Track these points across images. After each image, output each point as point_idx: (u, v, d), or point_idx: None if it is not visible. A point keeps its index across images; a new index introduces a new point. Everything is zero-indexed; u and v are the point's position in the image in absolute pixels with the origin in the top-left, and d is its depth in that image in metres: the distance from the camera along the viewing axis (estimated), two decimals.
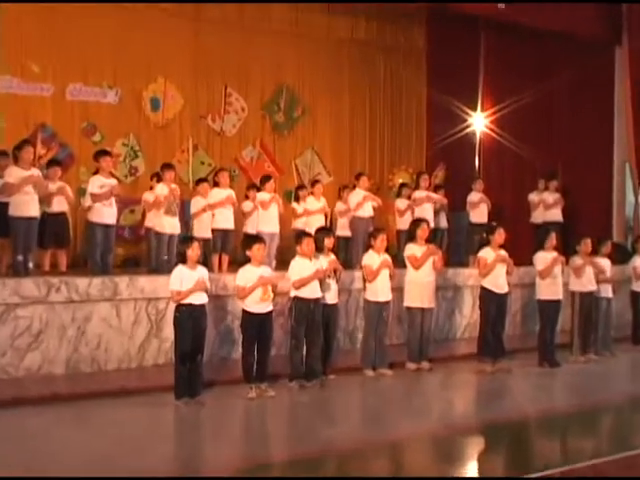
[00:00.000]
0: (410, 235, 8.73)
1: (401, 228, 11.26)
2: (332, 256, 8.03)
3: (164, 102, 12.79)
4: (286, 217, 10.93)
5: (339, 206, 11.46)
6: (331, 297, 7.90)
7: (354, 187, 10.95)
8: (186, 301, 6.82)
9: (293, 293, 7.53)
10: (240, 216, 10.52)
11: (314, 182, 11.12)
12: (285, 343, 8.45)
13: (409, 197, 11.42)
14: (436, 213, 11.38)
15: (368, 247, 8.37)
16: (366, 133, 15.05)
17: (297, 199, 11.25)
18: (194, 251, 6.88)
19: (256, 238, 7.59)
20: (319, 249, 7.72)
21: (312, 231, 8.36)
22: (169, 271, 7.15)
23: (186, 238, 7.39)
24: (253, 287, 7.14)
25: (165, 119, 12.84)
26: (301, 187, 11.62)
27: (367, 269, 8.21)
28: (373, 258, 8.24)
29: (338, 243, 10.43)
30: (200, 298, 6.89)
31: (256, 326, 7.14)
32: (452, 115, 14.01)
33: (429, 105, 15.18)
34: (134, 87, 12.48)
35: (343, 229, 11.13)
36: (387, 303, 8.29)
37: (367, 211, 10.64)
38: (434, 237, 10.18)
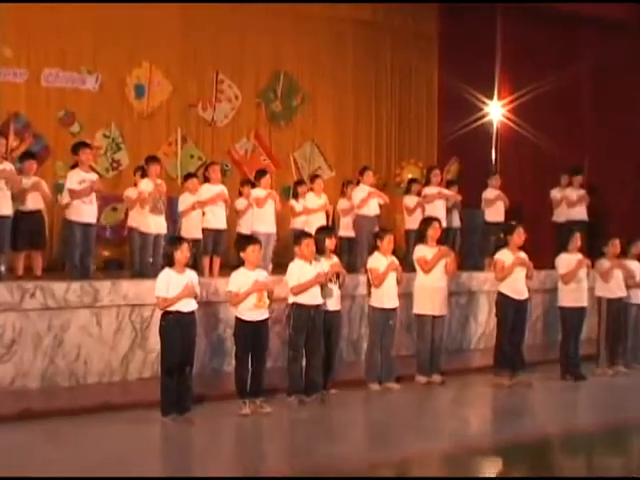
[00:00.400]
0: (420, 235, 8.75)
1: (410, 228, 11.25)
2: (334, 259, 8.03)
3: (149, 89, 12.80)
4: (283, 216, 10.94)
5: (342, 203, 11.46)
6: (333, 303, 7.91)
7: (358, 183, 10.95)
8: (173, 308, 6.83)
9: (291, 299, 7.55)
10: (233, 215, 10.52)
11: (314, 177, 11.13)
12: (282, 354, 8.45)
13: (419, 194, 11.43)
14: (448, 211, 11.38)
15: (373, 249, 8.38)
16: (371, 123, 15.07)
17: (296, 196, 11.26)
18: (182, 253, 6.89)
19: (251, 239, 7.61)
20: (320, 251, 7.73)
21: (312, 231, 8.37)
22: (155, 275, 7.16)
23: (174, 239, 7.40)
24: (247, 293, 7.15)
25: (150, 108, 12.85)
26: (300, 183, 11.63)
27: (372, 273, 8.23)
28: (379, 261, 8.25)
29: (341, 244, 10.43)
30: (189, 305, 6.90)
31: (250, 335, 7.16)
32: (466, 104, 14.01)
33: (441, 93, 15.19)
34: (116, 72, 12.48)
35: (346, 229, 11.13)
36: (394, 310, 8.30)
37: (372, 209, 10.65)
38: (446, 237, 10.18)
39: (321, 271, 7.62)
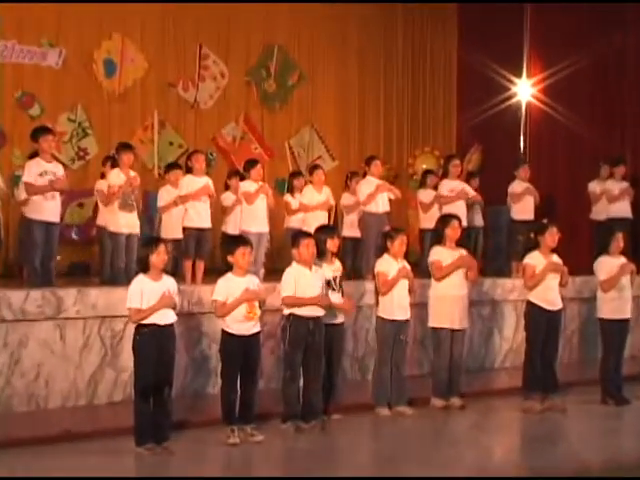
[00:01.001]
0: (437, 236, 8.76)
1: (425, 227, 11.29)
2: (337, 263, 8.05)
3: (121, 65, 12.85)
4: (278, 213, 10.96)
5: (345, 199, 11.49)
6: (335, 315, 7.93)
7: (364, 174, 10.98)
8: (149, 321, 6.84)
9: (288, 310, 7.55)
10: (219, 212, 10.56)
11: (313, 168, 11.12)
12: (277, 373, 8.45)
13: (435, 187, 11.45)
14: (469, 208, 11.41)
15: (382, 251, 8.39)
16: (380, 106, 15.13)
17: (292, 190, 11.28)
18: (160, 256, 6.89)
19: (239, 240, 7.61)
20: (320, 254, 7.74)
21: (311, 230, 8.35)
22: (128, 282, 7.17)
23: (149, 239, 7.41)
24: (236, 302, 7.16)
25: (122, 87, 12.89)
26: (297, 174, 11.66)
27: (381, 279, 8.24)
28: (388, 265, 8.27)
29: (344, 246, 10.46)
30: (167, 317, 6.91)
31: (239, 352, 7.16)
32: (490, 84, 14.06)
33: (461, 72, 15.25)
34: (82, 46, 12.53)
35: (350, 228, 11.16)
36: (406, 322, 8.32)
37: (381, 205, 10.68)
38: (467, 239, 10.20)
39: (322, 279, 7.66)
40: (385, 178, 11.24)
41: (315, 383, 7.64)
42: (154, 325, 6.83)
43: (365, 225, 10.76)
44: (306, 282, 7.55)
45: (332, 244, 7.94)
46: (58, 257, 9.32)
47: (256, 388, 7.36)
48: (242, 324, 7.18)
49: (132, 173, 9.50)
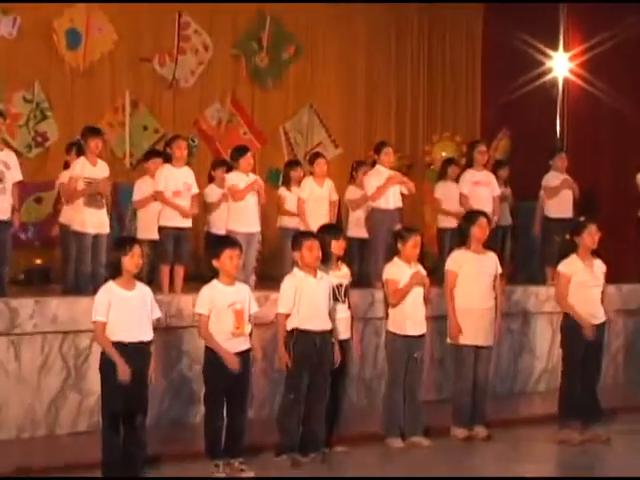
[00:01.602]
0: (459, 236, 8.76)
1: (445, 225, 11.34)
2: (344, 269, 8.07)
3: (87, 36, 12.85)
4: (271, 210, 10.97)
5: (351, 192, 11.51)
6: (341, 330, 7.95)
7: (374, 164, 10.99)
8: (117, 337, 6.85)
9: (291, 324, 7.57)
10: (202, 208, 10.58)
11: (313, 157, 11.12)
12: (270, 398, 8.47)
13: (457, 179, 11.46)
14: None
15: (393, 254, 8.40)
16: (391, 84, 15.13)
17: (288, 183, 11.30)
18: (134, 260, 6.90)
19: (226, 241, 7.63)
20: (325, 258, 7.76)
21: (312, 230, 8.45)
22: (95, 290, 7.18)
23: (123, 240, 7.42)
24: (221, 316, 7.18)
25: (88, 62, 12.89)
26: (294, 164, 11.68)
27: (390, 287, 8.25)
28: (399, 270, 8.27)
29: (349, 248, 10.45)
30: (140, 332, 6.93)
31: (226, 373, 7.17)
32: (520, 58, 14.05)
33: (486, 45, 15.26)
34: (41, 13, 12.52)
35: (357, 227, 11.20)
36: (421, 338, 8.33)
37: (393, 200, 10.70)
38: (493, 240, 10.19)
39: (330, 288, 7.69)
40: (397, 168, 11.26)
41: (319, 409, 7.67)
42: (124, 343, 6.83)
43: (373, 223, 10.77)
44: (310, 292, 7.57)
45: (337, 246, 7.95)
46: (27, 259, 9.33)
47: (245, 416, 7.37)
48: (229, 341, 7.18)
49: (100, 162, 9.52)
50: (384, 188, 10.62)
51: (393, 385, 8.32)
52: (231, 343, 7.19)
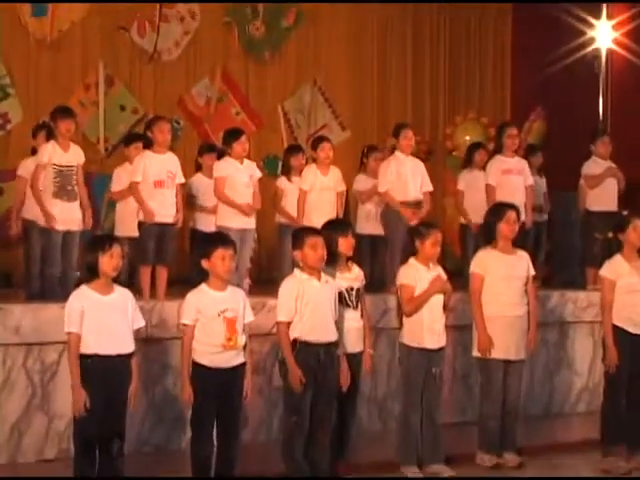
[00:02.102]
0: (485, 233, 8.76)
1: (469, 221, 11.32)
2: (355, 270, 8.06)
3: (54, 3, 12.83)
4: (268, 202, 10.99)
5: (360, 182, 11.55)
6: (351, 342, 7.95)
7: (393, 150, 10.99)
8: (91, 350, 6.86)
9: (291, 334, 7.57)
10: (188, 201, 10.60)
11: (317, 141, 11.12)
12: (266, 420, 8.49)
13: (483, 166, 11.47)
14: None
15: (409, 254, 8.42)
16: (407, 56, 15.11)
17: (287, 171, 11.33)
18: (113, 260, 6.91)
19: (217, 239, 7.61)
20: (331, 258, 7.74)
21: (316, 226, 8.35)
22: (65, 296, 7.18)
23: (100, 238, 7.41)
24: (211, 325, 7.18)
25: (56, 32, 12.89)
26: (294, 150, 11.69)
27: (405, 294, 8.23)
28: (416, 274, 8.25)
29: (359, 247, 10.46)
30: (119, 344, 6.94)
31: (216, 392, 7.18)
32: (557, 27, 14.04)
33: (517, 14, 15.23)
34: None
35: (367, 222, 11.25)
36: (440, 352, 8.33)
37: (411, 191, 10.70)
38: (525, 237, 10.20)
39: (335, 293, 7.69)
40: (415, 154, 11.23)
41: (322, 434, 7.64)
42: (98, 357, 6.84)
43: (390, 219, 10.77)
44: (314, 297, 7.55)
45: (346, 244, 7.91)
46: None
47: (238, 441, 7.36)
48: (220, 355, 7.16)
49: (73, 147, 9.55)
50: (400, 177, 10.64)
51: (409, 406, 8.30)
52: (222, 357, 7.18)
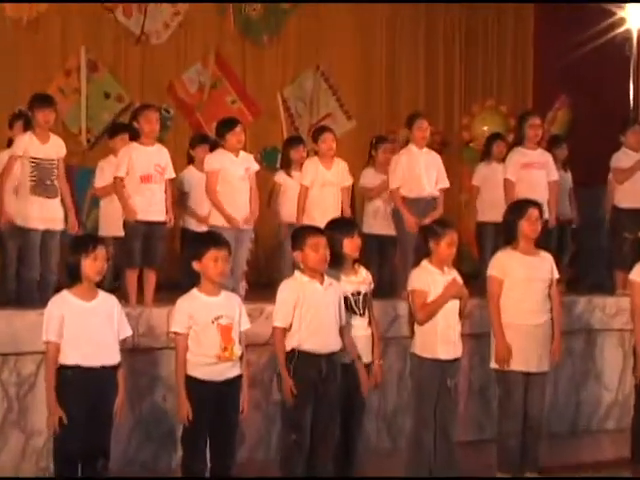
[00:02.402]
0: (505, 232, 8.75)
1: (486, 219, 11.34)
2: (362, 273, 8.04)
3: None
4: (265, 199, 10.99)
5: (368, 177, 11.56)
6: (362, 354, 7.93)
7: (407, 142, 11.00)
8: (72, 361, 6.87)
9: (290, 343, 7.56)
10: (178, 197, 10.62)
11: (319, 131, 11.09)
12: (264, 437, 8.49)
13: (503, 159, 11.47)
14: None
15: (422, 256, 8.41)
16: (419, 39, 15.11)
17: (287, 165, 11.33)
18: (97, 263, 6.91)
19: (210, 239, 7.61)
20: (335, 261, 7.74)
21: (318, 225, 8.32)
22: (44, 302, 7.17)
23: (82, 239, 7.42)
24: (204, 334, 7.18)
25: (34, 12, 12.89)
26: (295, 141, 11.69)
27: (417, 300, 8.20)
28: (429, 278, 8.23)
29: (366, 248, 10.44)
30: (103, 354, 6.94)
31: (209, 407, 7.18)
32: (583, 7, 14.04)
33: None
34: None
35: (375, 221, 11.28)
36: (455, 362, 8.32)
37: (425, 187, 10.70)
38: (547, 237, 10.16)
39: (340, 298, 7.68)
40: (429, 146, 11.22)
41: (324, 451, 7.63)
42: (80, 368, 6.84)
43: (399, 217, 10.78)
44: (315, 302, 7.55)
45: (351, 245, 7.88)
46: None
47: (233, 460, 7.37)
48: (214, 367, 7.17)
49: (53, 138, 9.54)
50: (413, 171, 10.65)
51: (421, 421, 8.28)
52: (217, 369, 7.18)
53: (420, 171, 10.69)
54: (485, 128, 14.12)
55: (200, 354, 7.17)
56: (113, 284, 9.40)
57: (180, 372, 7.19)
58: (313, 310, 7.54)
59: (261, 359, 8.40)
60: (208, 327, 7.17)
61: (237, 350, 7.22)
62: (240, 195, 9.92)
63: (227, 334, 7.20)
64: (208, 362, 7.17)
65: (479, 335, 8.80)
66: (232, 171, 9.92)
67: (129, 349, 8.06)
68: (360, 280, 7.99)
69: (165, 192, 9.69)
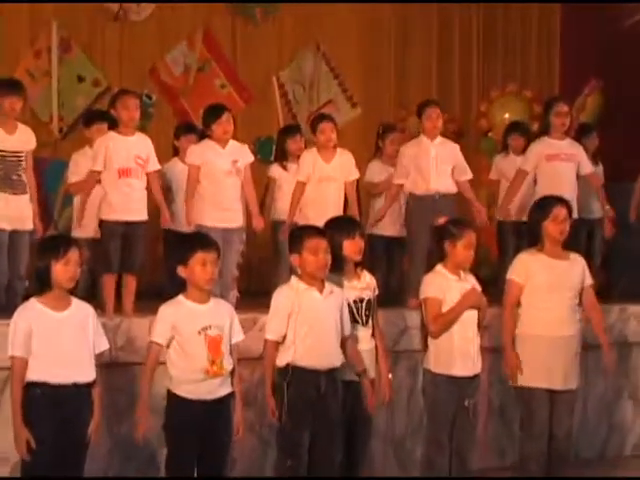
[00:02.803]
0: (528, 233, 8.75)
1: (508, 218, 11.38)
2: (366, 277, 8.07)
3: None
4: (259, 194, 11.00)
5: (374, 170, 11.61)
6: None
7: (418, 133, 11.02)
8: (40, 378, 6.87)
9: (284, 358, 7.58)
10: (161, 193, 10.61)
11: (317, 119, 11.03)
12: (258, 461, 8.56)
13: (524, 149, 11.49)
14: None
15: (436, 259, 8.42)
16: (432, 17, 15.14)
17: (283, 157, 11.39)
18: (68, 268, 6.92)
19: (196, 240, 7.64)
20: (335, 265, 7.74)
21: (317, 224, 8.37)
22: (10, 312, 7.19)
23: (53, 240, 7.44)
24: (190, 346, 7.19)
25: None
26: (292, 131, 11.73)
27: (431, 309, 8.21)
28: (444, 284, 8.26)
29: (372, 250, 10.50)
30: (76, 370, 6.95)
31: (197, 429, 7.18)
32: None
33: None
34: None
35: (383, 220, 11.29)
36: (473, 380, 8.33)
37: (442, 182, 10.73)
38: (575, 238, 10.14)
39: (342, 306, 7.69)
40: (444, 135, 11.23)
41: (323, 478, 7.65)
42: (49, 386, 6.84)
43: (410, 215, 10.85)
44: (314, 312, 7.56)
45: (351, 248, 7.90)
46: None
47: None
48: (200, 384, 7.17)
49: (21, 127, 9.57)
50: (424, 162, 10.70)
51: (435, 446, 8.28)
52: (205, 386, 7.18)
53: (429, 165, 10.72)
54: (506, 116, 14.13)
55: (185, 369, 7.18)
56: (89, 292, 9.41)
57: (145, 385, 7.22)
58: (311, 321, 7.54)
59: (254, 375, 8.41)
60: (194, 338, 7.17)
61: (227, 364, 7.23)
62: (226, 192, 9.91)
63: (216, 347, 7.20)
64: (195, 378, 7.18)
65: (499, 349, 8.78)
66: (217, 165, 9.91)
67: (106, 364, 8.07)
68: (363, 286, 8.00)
69: (148, 187, 9.72)
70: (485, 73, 15.45)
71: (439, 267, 8.26)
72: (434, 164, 10.73)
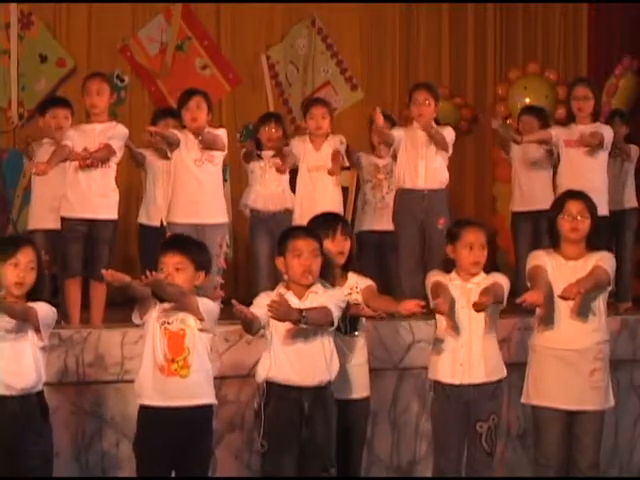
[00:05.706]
0: (550, 233, 8.68)
1: (522, 209, 11.43)
2: (354, 279, 7.99)
3: None
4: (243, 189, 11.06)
5: (370, 161, 11.54)
6: (356, 386, 7.94)
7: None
8: None
9: (260, 375, 7.51)
10: (135, 185, 10.76)
11: (307, 105, 11.19)
12: None
13: (547, 140, 11.42)
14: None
15: (450, 268, 8.32)
16: None
17: (258, 146, 11.29)
18: (16, 272, 6.92)
19: (174, 240, 7.71)
20: (322, 268, 7.67)
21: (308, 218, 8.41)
22: None
23: (6, 241, 7.51)
24: (150, 338, 7.15)
25: None
26: (266, 118, 11.48)
27: (436, 316, 8.23)
28: (449, 287, 8.26)
29: (365, 249, 10.50)
30: (21, 379, 6.91)
31: (166, 442, 7.14)
32: None
33: None
34: None
35: (375, 215, 11.30)
36: (485, 403, 8.26)
37: (425, 174, 10.68)
38: (597, 234, 10.04)
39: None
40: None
41: None
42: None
43: (397, 211, 10.85)
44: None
45: (332, 249, 7.87)
46: None
47: None
48: (160, 384, 7.11)
49: None
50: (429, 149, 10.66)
51: (443, 472, 8.27)
52: (166, 390, 7.09)
53: (417, 157, 10.69)
54: (527, 100, 14.08)
55: (145, 369, 7.14)
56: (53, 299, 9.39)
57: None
58: (289, 332, 7.45)
59: (241, 395, 8.41)
60: (155, 329, 7.13)
61: (195, 363, 7.13)
62: (197, 184, 9.91)
63: (177, 342, 7.11)
64: (153, 378, 7.10)
65: (519, 365, 8.69)
66: (185, 155, 9.93)
67: (72, 383, 8.08)
68: (347, 291, 7.86)
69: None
70: (503, 52, 15.41)
71: (453, 274, 8.22)
72: (422, 156, 10.68)
